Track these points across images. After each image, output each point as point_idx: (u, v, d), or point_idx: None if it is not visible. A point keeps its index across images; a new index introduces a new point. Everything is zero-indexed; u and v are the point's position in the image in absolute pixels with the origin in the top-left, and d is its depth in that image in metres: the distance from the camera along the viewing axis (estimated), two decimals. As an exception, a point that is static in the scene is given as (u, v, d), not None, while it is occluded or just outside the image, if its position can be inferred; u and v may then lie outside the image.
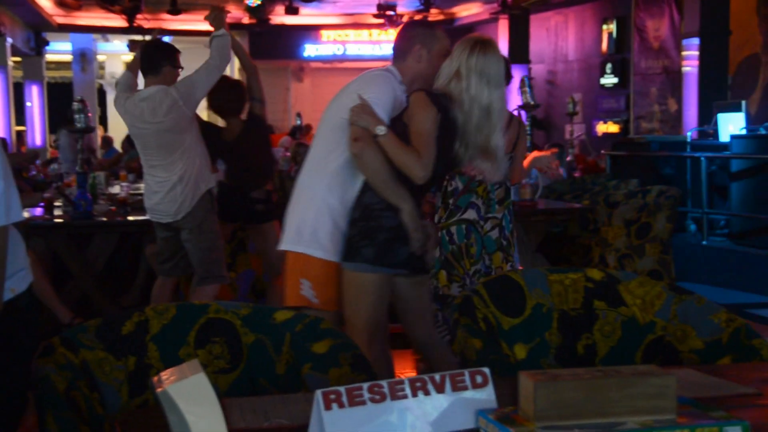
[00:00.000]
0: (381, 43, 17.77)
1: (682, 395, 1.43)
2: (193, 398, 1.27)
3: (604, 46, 12.68)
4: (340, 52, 18.25)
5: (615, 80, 12.39)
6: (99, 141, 14.30)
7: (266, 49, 15.96)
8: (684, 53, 10.78)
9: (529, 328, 2.12)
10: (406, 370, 3.93)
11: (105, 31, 16.86)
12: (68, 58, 18.27)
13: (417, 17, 13.25)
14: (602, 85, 12.66)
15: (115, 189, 6.40)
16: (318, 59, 18.55)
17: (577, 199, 6.12)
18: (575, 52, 13.71)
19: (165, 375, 1.33)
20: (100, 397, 1.77)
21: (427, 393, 1.42)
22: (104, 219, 5.04)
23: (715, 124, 8.68)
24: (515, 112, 4.71)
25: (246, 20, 15.64)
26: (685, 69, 10.80)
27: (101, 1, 13.81)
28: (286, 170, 8.19)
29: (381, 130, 2.71)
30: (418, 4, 14.40)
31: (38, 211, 5.26)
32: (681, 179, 7.87)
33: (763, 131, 7.99)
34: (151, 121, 4.19)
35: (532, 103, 5.67)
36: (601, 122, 12.74)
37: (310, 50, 18.29)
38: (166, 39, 15.82)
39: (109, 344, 1.85)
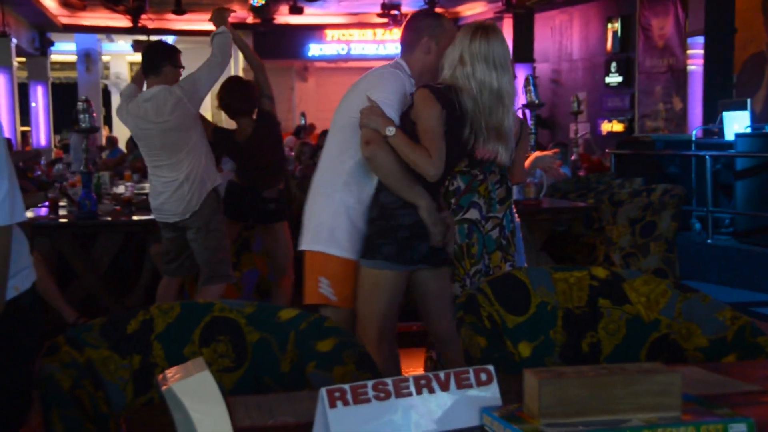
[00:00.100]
0: (385, 42, 17.78)
1: (686, 393, 1.43)
2: (198, 396, 1.27)
3: (609, 44, 12.67)
4: (344, 52, 18.26)
5: (620, 79, 12.38)
6: (103, 141, 14.33)
7: (270, 48, 15.96)
8: (689, 52, 10.76)
9: (534, 327, 2.12)
10: (411, 369, 3.94)
11: (109, 31, 16.90)
12: (73, 58, 18.31)
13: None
14: (607, 84, 12.64)
15: (120, 189, 6.41)
16: (322, 59, 18.56)
17: (582, 197, 6.12)
18: (580, 51, 13.69)
19: (170, 373, 1.34)
20: (105, 396, 1.77)
21: (431, 391, 1.42)
22: (109, 219, 5.05)
23: (720, 122, 8.66)
24: (519, 112, 4.70)
25: (250, 20, 15.66)
26: (690, 67, 10.78)
27: (106, 1, 13.83)
28: (290, 170, 8.19)
29: (390, 130, 2.71)
30: (423, 3, 14.40)
31: (43, 210, 5.27)
32: (686, 178, 7.85)
33: (768, 130, 7.98)
34: (156, 120, 4.20)
35: (537, 102, 5.66)
36: (606, 121, 12.73)
37: (314, 50, 18.30)
38: (170, 39, 15.85)
39: (114, 343, 1.85)
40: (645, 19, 11.43)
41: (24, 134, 16.29)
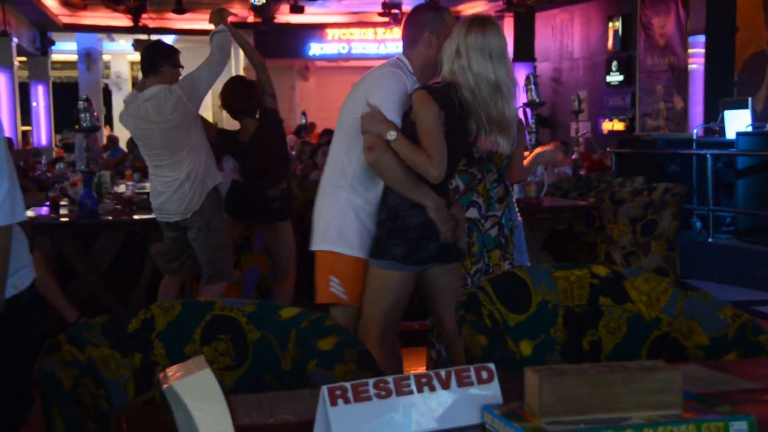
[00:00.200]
0: (386, 41, 17.77)
1: (687, 390, 1.43)
2: (199, 394, 1.27)
3: (610, 43, 12.66)
4: (345, 51, 18.25)
5: (621, 78, 12.37)
6: (104, 140, 14.33)
7: (271, 47, 15.95)
8: (690, 50, 10.76)
9: (535, 325, 2.12)
10: (412, 368, 3.94)
11: (110, 30, 16.91)
12: (74, 57, 18.31)
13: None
14: (608, 83, 12.64)
15: (121, 188, 6.41)
16: (323, 58, 18.56)
17: (583, 196, 6.12)
18: (581, 50, 13.68)
19: (171, 371, 1.34)
20: (106, 394, 1.77)
21: (432, 389, 1.42)
22: (110, 218, 5.06)
23: (721, 121, 8.66)
24: (519, 111, 4.69)
25: (251, 19, 15.66)
26: (691, 66, 10.78)
27: (106, 0, 13.83)
28: (291, 169, 8.19)
29: (391, 135, 2.72)
30: (423, 2, 14.39)
31: (44, 210, 5.27)
32: (687, 177, 7.85)
33: (769, 128, 7.97)
34: (157, 120, 4.20)
35: (538, 100, 5.66)
36: (607, 120, 12.73)
37: (315, 49, 18.29)
38: (170, 38, 15.84)
39: (115, 341, 1.85)
40: (646, 18, 11.43)
41: (25, 134, 16.29)
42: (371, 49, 17.95)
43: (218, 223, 4.36)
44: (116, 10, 14.42)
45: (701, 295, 2.11)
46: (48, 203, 5.31)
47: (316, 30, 17.97)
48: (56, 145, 16.38)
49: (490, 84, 2.80)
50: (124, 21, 15.15)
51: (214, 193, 4.35)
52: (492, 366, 1.47)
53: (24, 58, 16.59)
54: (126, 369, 1.84)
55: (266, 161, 4.74)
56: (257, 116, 4.74)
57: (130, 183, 6.62)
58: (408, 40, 3.00)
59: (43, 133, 17.11)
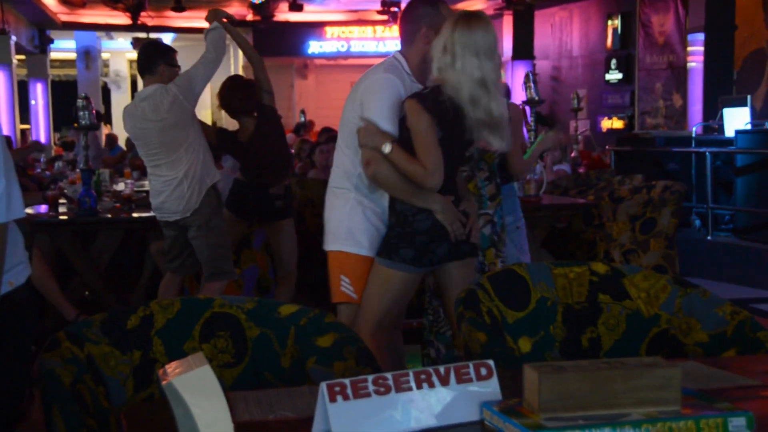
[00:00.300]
0: (385, 39, 17.77)
1: (686, 387, 1.43)
2: (198, 390, 1.27)
3: (609, 41, 12.67)
4: (344, 49, 18.25)
5: (620, 76, 12.38)
6: (103, 139, 14.32)
7: (270, 46, 15.96)
8: (689, 48, 10.76)
9: (534, 322, 2.12)
10: (408, 366, 3.94)
11: (109, 28, 16.90)
12: (72, 56, 18.31)
13: None
14: (607, 81, 12.64)
15: (120, 186, 6.41)
16: (322, 56, 18.56)
17: (582, 194, 6.12)
18: (580, 48, 13.69)
19: (170, 368, 1.34)
20: (105, 391, 1.77)
21: (431, 385, 1.42)
22: (109, 216, 5.05)
23: (720, 119, 8.66)
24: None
25: (250, 17, 15.65)
26: (690, 64, 10.78)
27: (105, -2, 13.84)
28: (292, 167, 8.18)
29: (387, 147, 2.74)
30: (422, 0, 14.37)
31: (43, 208, 5.27)
32: (686, 174, 7.85)
33: (768, 126, 7.97)
34: (154, 119, 4.21)
35: (537, 98, 5.66)
36: (606, 118, 12.73)
37: (314, 47, 18.29)
38: (169, 36, 15.81)
39: (114, 338, 1.85)
40: (645, 16, 11.43)
41: (24, 132, 16.28)
42: (370, 47, 17.95)
43: (218, 221, 4.37)
44: (115, 8, 14.41)
45: (700, 292, 2.11)
46: (47, 201, 5.31)
47: (315, 28, 17.97)
48: (55, 144, 16.37)
49: (474, 81, 2.73)
50: (122, 19, 15.14)
51: (213, 191, 4.35)
52: (491, 362, 1.47)
53: (23, 56, 16.58)
54: (125, 366, 1.84)
55: (267, 160, 4.74)
56: (255, 115, 4.74)
57: (129, 181, 6.62)
58: (405, 37, 2.98)
59: (41, 131, 17.10)
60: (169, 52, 4.42)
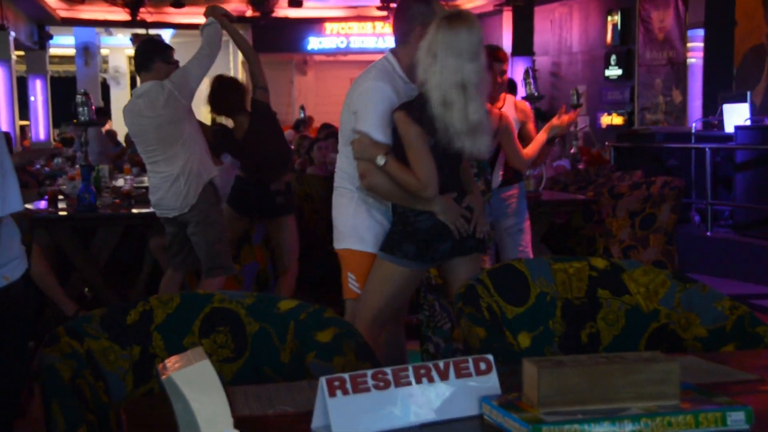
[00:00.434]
0: (385, 35, 17.73)
1: (685, 381, 1.44)
2: (198, 385, 1.27)
3: (609, 37, 12.65)
4: (343, 45, 18.22)
5: (619, 72, 12.36)
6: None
7: (269, 42, 15.94)
8: (689, 44, 10.75)
9: (533, 317, 2.12)
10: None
11: (108, 24, 16.87)
12: (71, 52, 18.28)
13: None
14: (607, 77, 12.63)
15: (119, 182, 6.41)
16: (321, 52, 18.53)
17: (582, 190, 6.11)
18: (579, 44, 13.67)
19: (170, 362, 1.34)
20: (105, 386, 1.78)
21: (431, 380, 1.43)
22: (108, 212, 5.05)
23: (720, 115, 8.65)
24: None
25: (249, 13, 15.64)
26: (690, 60, 10.77)
27: (104, -6, 13.82)
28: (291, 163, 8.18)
29: (380, 160, 2.75)
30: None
31: (42, 204, 5.27)
32: (685, 170, 7.85)
33: None
34: (150, 115, 4.24)
35: (536, 94, 5.65)
36: (606, 114, 12.72)
37: (313, 43, 18.26)
38: (168, 32, 15.80)
39: (113, 333, 1.86)
40: (645, 12, 11.42)
41: (23, 128, 16.27)
42: (370, 43, 17.92)
43: (216, 217, 4.37)
44: (114, 4, 14.41)
45: (699, 287, 2.12)
46: (46, 197, 5.31)
47: (314, 24, 17.94)
48: (54, 140, 16.35)
49: (452, 84, 2.66)
50: (122, 15, 15.13)
51: (211, 187, 4.36)
52: (490, 357, 1.47)
53: (22, 53, 16.57)
54: (125, 361, 1.84)
55: (264, 156, 4.74)
56: (249, 111, 4.75)
57: (128, 177, 6.62)
58: (399, 36, 2.95)
59: (41, 127, 17.09)
60: (165, 49, 4.44)
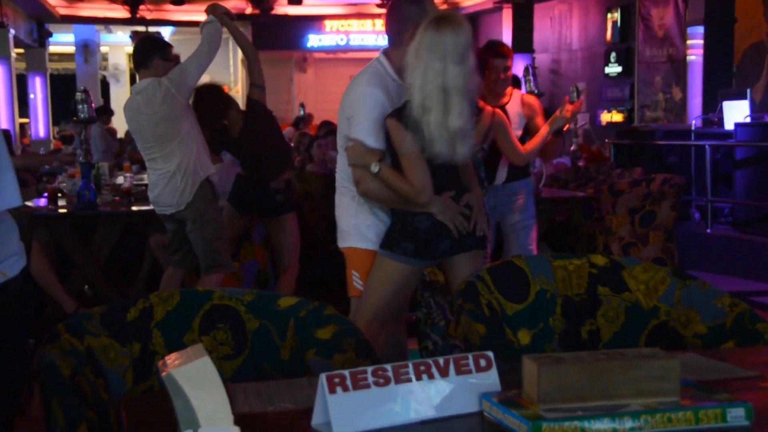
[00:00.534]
0: (384, 33, 17.72)
1: (685, 378, 1.44)
2: (198, 382, 1.27)
3: (609, 34, 12.64)
4: (343, 43, 18.22)
5: (619, 69, 12.35)
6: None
7: (269, 39, 15.94)
8: (689, 41, 10.74)
9: (533, 314, 2.12)
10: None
11: (108, 22, 16.87)
12: (71, 49, 18.27)
13: None
14: (606, 74, 12.62)
15: (119, 180, 6.41)
16: (321, 49, 18.53)
17: (581, 188, 6.11)
18: (579, 41, 13.66)
19: (170, 359, 1.34)
20: (105, 383, 1.78)
21: (431, 377, 1.43)
22: (108, 209, 5.05)
23: (720, 112, 8.65)
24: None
25: (249, 10, 15.63)
26: (690, 57, 10.76)
27: (104, -8, 13.81)
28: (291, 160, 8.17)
29: (374, 168, 2.76)
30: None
31: (42, 201, 5.27)
32: (685, 167, 7.85)
33: (768, 119, 7.97)
34: (147, 112, 4.25)
35: (536, 91, 5.64)
36: (606, 111, 12.71)
37: (313, 40, 18.26)
38: (168, 29, 15.81)
39: (113, 331, 1.86)
40: (645, 9, 11.41)
41: (23, 126, 16.26)
42: (369, 40, 17.92)
43: (213, 215, 4.37)
44: (114, 2, 14.40)
45: (699, 284, 2.12)
46: (46, 195, 5.31)
47: (314, 21, 17.93)
48: (54, 137, 16.36)
49: (434, 87, 2.63)
50: (121, 12, 15.13)
51: (207, 185, 4.36)
52: (490, 354, 1.47)
53: (21, 50, 16.56)
54: (125, 358, 1.84)
55: (261, 154, 4.73)
56: (245, 110, 4.75)
57: (128, 174, 6.63)
58: (391, 37, 2.94)
59: (40, 125, 17.09)
60: (164, 47, 4.44)
